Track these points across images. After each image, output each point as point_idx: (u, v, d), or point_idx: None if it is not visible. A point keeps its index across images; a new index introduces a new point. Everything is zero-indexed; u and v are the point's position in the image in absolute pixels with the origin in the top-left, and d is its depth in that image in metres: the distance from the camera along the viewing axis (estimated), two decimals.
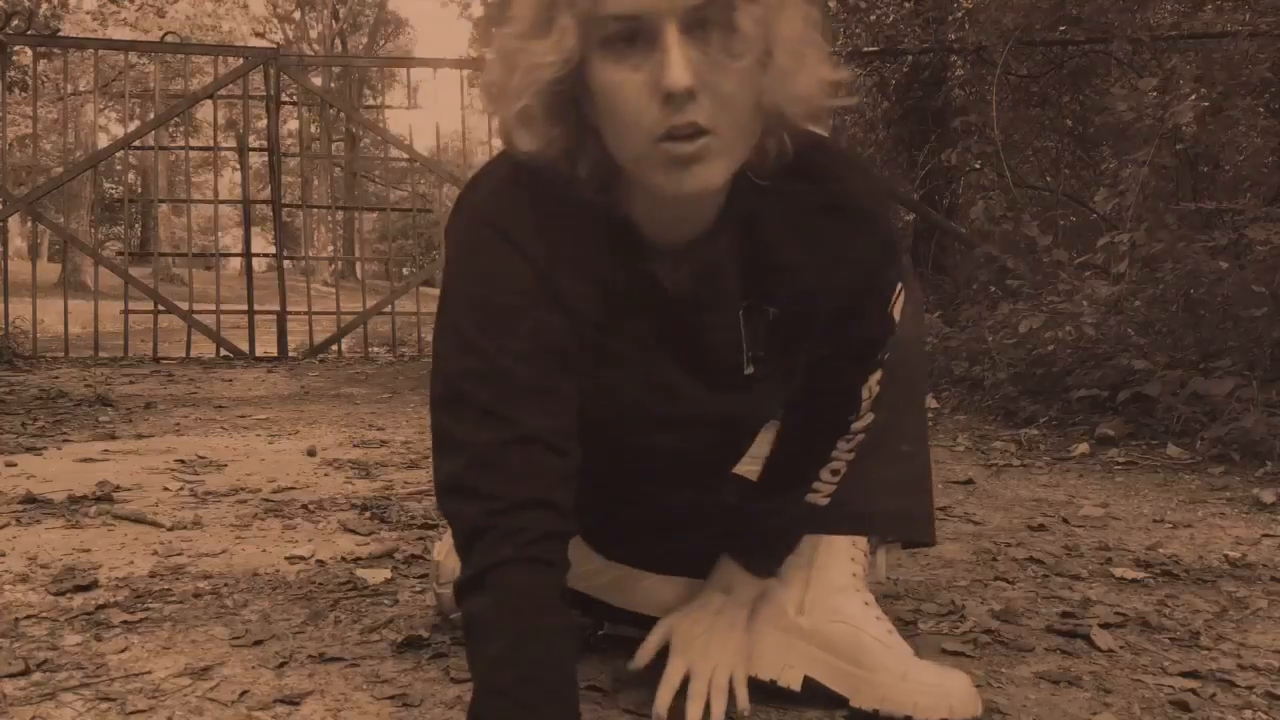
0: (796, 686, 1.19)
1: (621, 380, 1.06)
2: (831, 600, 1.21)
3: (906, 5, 7.28)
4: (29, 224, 12.07)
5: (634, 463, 1.15)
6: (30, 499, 2.30)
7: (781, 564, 1.22)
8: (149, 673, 1.27)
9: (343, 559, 1.85)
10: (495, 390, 0.96)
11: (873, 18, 7.59)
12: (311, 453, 3.08)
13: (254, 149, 10.99)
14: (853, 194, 1.05)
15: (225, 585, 1.67)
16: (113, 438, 3.38)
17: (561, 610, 0.97)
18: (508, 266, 0.98)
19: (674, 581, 1.26)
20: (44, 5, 10.18)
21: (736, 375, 1.08)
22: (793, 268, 1.05)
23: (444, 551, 1.43)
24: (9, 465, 2.79)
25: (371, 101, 18.18)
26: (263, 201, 8.32)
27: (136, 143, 7.71)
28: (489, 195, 1.00)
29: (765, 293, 1.06)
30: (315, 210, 13.16)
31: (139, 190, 18.33)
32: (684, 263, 1.03)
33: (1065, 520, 2.27)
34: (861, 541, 1.28)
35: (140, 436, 3.42)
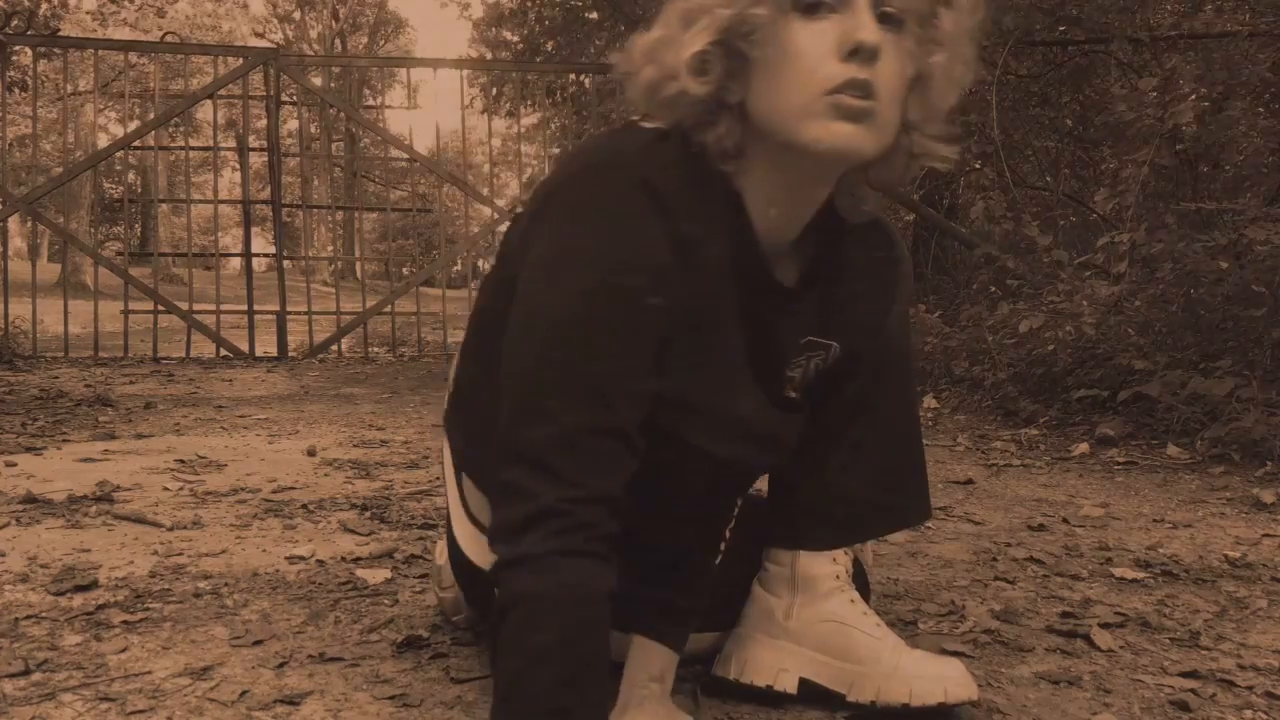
0: (793, 689, 1.19)
1: (703, 375, 1.02)
2: (818, 603, 1.22)
3: None
4: (29, 224, 12.06)
5: (670, 475, 1.06)
6: (30, 499, 2.30)
7: (689, 633, 1.17)
8: (149, 673, 1.27)
9: (343, 559, 1.85)
10: (602, 357, 0.92)
11: None
12: (311, 453, 3.08)
13: (254, 149, 10.98)
14: (907, 259, 1.15)
15: (225, 585, 1.67)
16: (113, 438, 3.38)
17: (610, 613, 0.91)
18: (652, 234, 0.93)
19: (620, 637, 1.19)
20: (44, 5, 10.17)
21: (782, 397, 1.10)
22: (855, 308, 1.10)
23: (445, 554, 1.43)
24: (9, 465, 2.79)
25: (371, 101, 18.19)
26: (263, 201, 8.32)
27: (136, 143, 7.70)
28: (643, 154, 0.95)
29: (828, 327, 1.10)
30: (315, 210, 13.15)
31: (139, 190, 18.34)
32: (781, 263, 1.05)
33: (1065, 520, 2.27)
34: None
35: (140, 436, 3.42)
